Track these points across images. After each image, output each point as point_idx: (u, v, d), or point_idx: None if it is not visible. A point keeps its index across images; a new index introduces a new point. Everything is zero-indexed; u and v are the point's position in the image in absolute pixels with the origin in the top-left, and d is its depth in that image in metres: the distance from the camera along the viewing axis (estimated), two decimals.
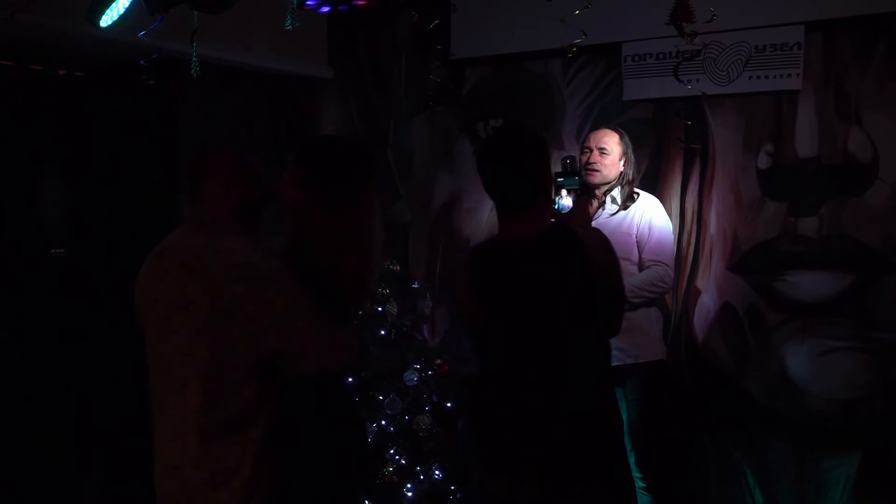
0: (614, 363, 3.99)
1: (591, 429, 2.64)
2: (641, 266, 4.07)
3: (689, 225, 4.49)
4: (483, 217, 5.08)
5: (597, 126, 4.37)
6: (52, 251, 4.72)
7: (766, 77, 4.21)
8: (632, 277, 4.00)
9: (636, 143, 4.28)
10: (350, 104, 5.63)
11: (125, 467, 4.72)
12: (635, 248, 4.07)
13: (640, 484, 4.09)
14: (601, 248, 2.71)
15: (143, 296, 2.41)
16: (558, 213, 3.14)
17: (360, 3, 3.89)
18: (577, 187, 3.98)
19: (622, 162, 4.12)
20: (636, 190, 4.17)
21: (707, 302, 4.46)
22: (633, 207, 4.11)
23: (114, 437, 4.79)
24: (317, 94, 5.63)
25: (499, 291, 2.65)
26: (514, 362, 2.66)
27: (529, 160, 2.66)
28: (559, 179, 3.15)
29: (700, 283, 4.48)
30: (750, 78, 4.25)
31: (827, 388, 4.17)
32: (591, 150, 4.12)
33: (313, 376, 2.37)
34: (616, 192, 4.13)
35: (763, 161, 4.31)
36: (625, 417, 4.08)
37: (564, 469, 2.61)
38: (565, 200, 3.16)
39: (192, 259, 2.32)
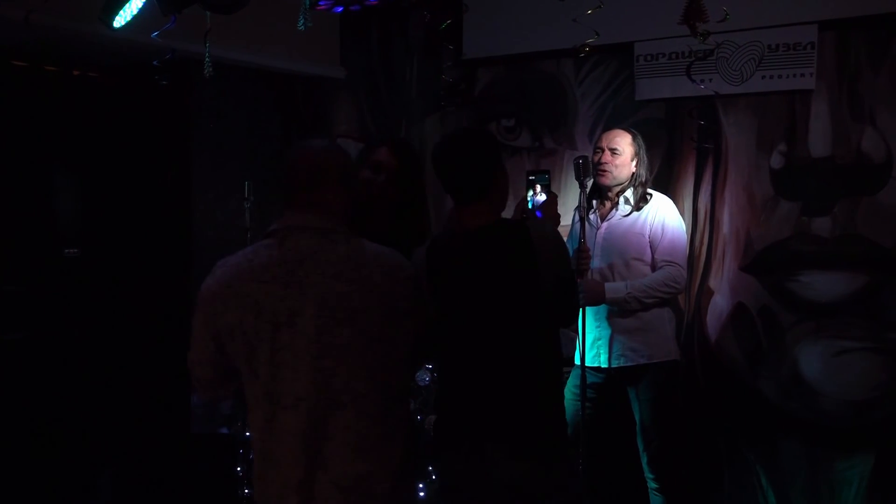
0: (628, 363, 4.02)
1: (530, 413, 2.77)
2: (654, 266, 4.06)
3: (702, 225, 4.48)
4: None
5: (609, 126, 4.36)
6: (66, 251, 4.74)
7: (780, 76, 4.20)
8: (644, 278, 4.00)
9: (648, 143, 4.27)
10: (362, 104, 5.63)
11: (139, 465, 4.75)
12: (648, 248, 4.06)
13: (652, 485, 4.09)
14: (547, 238, 2.80)
15: (265, 313, 2.34)
16: (529, 208, 3.20)
17: (373, 2, 3.89)
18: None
19: (634, 163, 4.11)
20: (649, 191, 4.16)
21: (720, 302, 4.45)
22: (647, 208, 4.10)
23: (127, 435, 4.81)
24: (329, 94, 5.64)
25: (447, 280, 2.78)
26: (462, 347, 2.78)
27: (479, 155, 2.80)
28: (531, 177, 3.24)
29: (713, 283, 4.46)
30: (763, 77, 4.24)
31: (840, 389, 4.15)
32: (603, 151, 4.11)
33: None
34: (629, 193, 4.12)
35: (776, 161, 4.30)
36: (637, 418, 4.10)
37: (511, 447, 2.74)
38: (539, 196, 3.20)
39: (349, 268, 2.39)
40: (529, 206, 3.21)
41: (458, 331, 2.79)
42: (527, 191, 3.24)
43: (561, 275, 2.82)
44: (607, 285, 3.98)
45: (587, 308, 4.04)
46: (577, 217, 4.26)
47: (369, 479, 2.39)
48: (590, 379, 4.10)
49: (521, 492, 2.74)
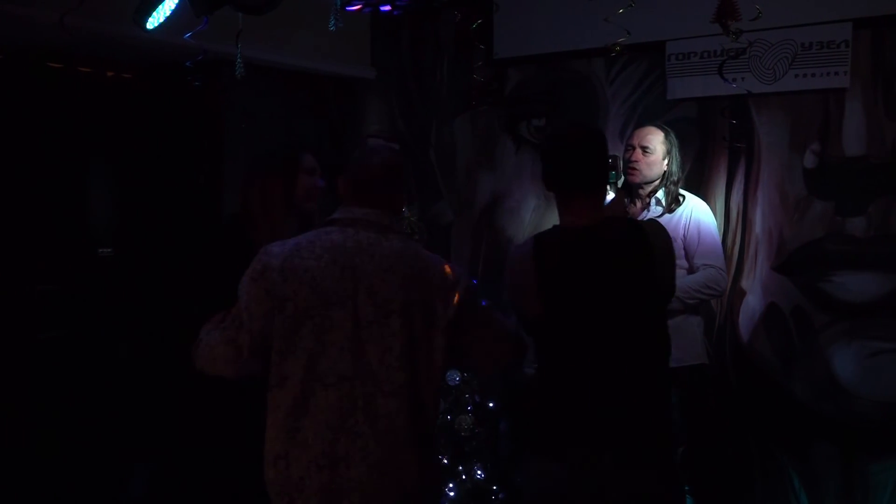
0: None
1: (653, 419, 2.70)
2: (692, 269, 4.03)
3: (734, 225, 4.45)
4: (526, 217, 5.08)
5: (641, 124, 4.34)
6: (100, 251, 4.78)
7: (813, 75, 4.16)
8: (686, 278, 3.97)
9: (681, 143, 4.25)
10: (393, 104, 5.64)
11: (172, 461, 4.78)
12: (682, 250, 4.02)
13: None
14: (662, 238, 2.78)
15: (320, 289, 2.46)
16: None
17: (402, 2, 3.90)
18: (615, 181, 3.99)
19: (666, 161, 4.09)
20: (682, 192, 4.13)
21: (752, 303, 4.42)
22: (680, 210, 4.07)
23: (160, 433, 4.84)
24: (360, 94, 5.65)
25: (564, 278, 2.68)
26: (579, 350, 2.68)
27: (594, 151, 2.80)
28: None
29: (745, 283, 4.44)
30: (796, 76, 4.20)
31: (875, 391, 4.11)
32: (634, 148, 4.09)
33: None
34: (661, 194, 4.09)
35: (809, 160, 4.26)
36: None
37: (625, 456, 2.65)
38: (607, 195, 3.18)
39: (401, 264, 2.52)
40: None
41: (577, 331, 2.69)
42: None
43: (669, 278, 2.82)
44: None
45: None
46: None
47: (400, 468, 2.47)
48: None
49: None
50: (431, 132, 5.51)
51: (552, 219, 4.95)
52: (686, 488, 4.04)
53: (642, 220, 2.90)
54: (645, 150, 4.06)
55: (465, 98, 5.35)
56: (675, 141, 4.12)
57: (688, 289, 3.94)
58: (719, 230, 4.33)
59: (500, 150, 5.22)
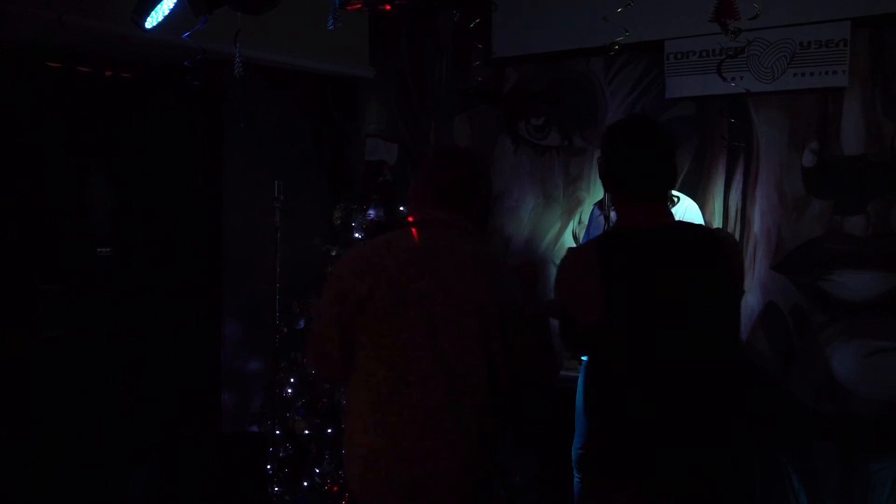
0: None
1: (732, 444, 2.54)
2: None
3: (733, 224, 4.45)
4: (524, 216, 5.08)
5: None
6: (99, 251, 4.78)
7: (812, 74, 4.16)
8: None
9: (679, 142, 4.25)
10: (391, 103, 5.64)
11: (170, 463, 4.79)
12: None
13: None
14: (733, 246, 2.67)
15: (404, 284, 2.50)
16: None
17: (401, 2, 3.90)
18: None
19: None
20: (675, 193, 4.15)
21: (751, 301, 4.42)
22: (674, 211, 4.08)
23: (159, 433, 4.85)
24: (359, 93, 5.65)
25: (635, 282, 2.49)
26: (652, 363, 2.48)
27: (669, 149, 2.64)
28: None
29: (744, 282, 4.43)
30: (795, 75, 4.20)
31: (873, 389, 4.11)
32: None
33: None
34: None
35: (808, 159, 4.26)
36: None
37: (705, 486, 2.50)
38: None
39: (479, 266, 2.55)
40: None
41: (649, 341, 2.48)
42: None
43: (741, 288, 2.68)
44: None
45: None
46: (596, 213, 4.28)
47: (481, 463, 2.52)
48: None
49: None
50: (430, 131, 5.50)
51: (551, 218, 4.99)
52: None
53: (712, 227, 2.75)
54: None
55: (463, 97, 5.35)
56: None
57: None
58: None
59: (499, 150, 5.22)
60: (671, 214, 2.66)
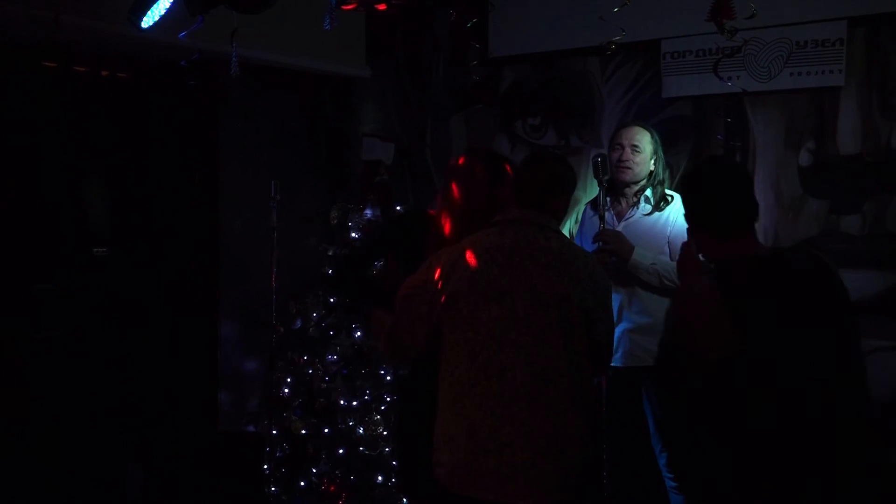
0: (638, 364, 4.03)
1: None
2: None
3: None
4: None
5: (627, 123, 4.35)
6: (95, 250, 4.78)
7: (808, 73, 4.17)
8: (672, 261, 4.03)
9: (675, 141, 4.26)
10: (388, 103, 5.64)
11: (167, 462, 4.78)
12: (667, 248, 4.09)
13: (671, 484, 4.09)
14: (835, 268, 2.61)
15: (479, 287, 2.69)
16: None
17: (398, 1, 3.90)
18: (604, 179, 4.07)
19: (653, 161, 4.13)
20: (669, 192, 4.18)
21: None
22: (668, 209, 4.12)
23: (156, 432, 4.84)
24: (355, 93, 5.65)
25: (767, 312, 2.39)
26: (791, 403, 2.35)
27: (751, 185, 2.72)
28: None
29: None
30: (791, 74, 4.21)
31: (871, 388, 4.10)
32: (624, 148, 4.12)
33: None
34: (649, 192, 4.13)
35: (804, 158, 4.27)
36: (651, 420, 4.11)
37: None
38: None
39: (559, 261, 2.75)
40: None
41: (788, 375, 2.36)
42: None
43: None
44: (637, 248, 3.98)
45: None
46: (589, 213, 4.29)
47: (563, 453, 2.64)
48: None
49: None
50: (427, 131, 5.50)
51: None
52: (673, 485, 4.07)
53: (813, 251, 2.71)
54: (635, 148, 4.10)
55: (460, 97, 5.35)
56: (659, 141, 4.15)
57: (672, 269, 3.99)
58: None
59: (496, 149, 5.21)
60: (761, 244, 2.66)
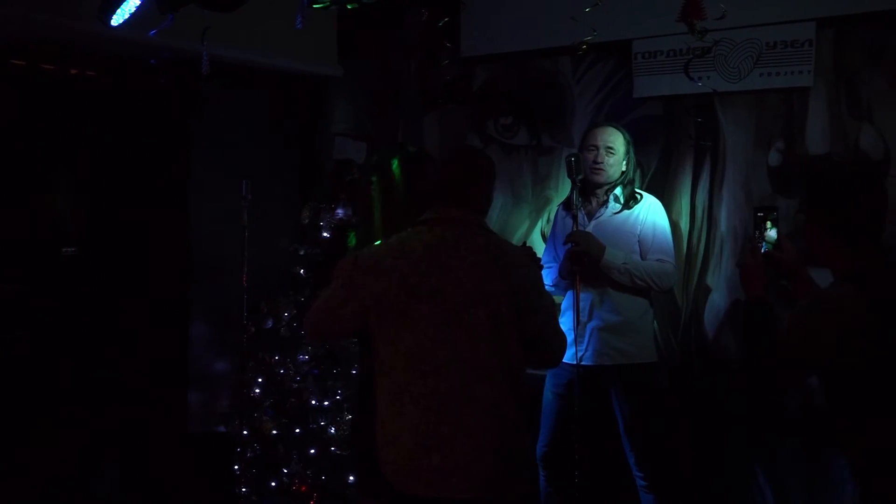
0: (607, 363, 4.05)
1: None
2: None
3: (700, 222, 4.48)
4: (493, 215, 5.06)
5: (600, 124, 4.37)
6: (64, 250, 4.74)
7: (778, 74, 4.20)
8: (644, 261, 4.12)
9: (647, 140, 4.28)
10: (360, 102, 5.62)
11: (136, 464, 4.75)
12: (637, 246, 4.16)
13: (641, 483, 4.13)
14: None
15: (415, 281, 2.69)
16: (765, 250, 2.93)
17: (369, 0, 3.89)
18: (578, 179, 4.08)
19: (625, 161, 4.16)
20: (638, 191, 4.21)
21: (717, 300, 4.45)
22: (637, 207, 4.17)
23: (125, 434, 4.81)
24: (327, 92, 5.63)
25: None
26: None
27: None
28: (760, 213, 2.98)
29: (710, 280, 4.47)
30: (761, 75, 4.24)
31: None
32: (598, 149, 4.15)
33: None
34: (618, 191, 4.18)
35: (774, 158, 4.30)
36: (620, 419, 4.15)
37: None
38: (771, 231, 2.99)
39: (487, 258, 2.77)
40: (765, 247, 2.90)
41: None
42: (758, 229, 2.94)
43: None
44: (608, 248, 4.01)
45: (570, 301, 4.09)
46: (561, 213, 4.32)
47: (501, 448, 2.70)
48: (566, 376, 4.14)
49: None
50: (399, 130, 5.49)
51: (519, 218, 5.00)
52: (643, 484, 4.10)
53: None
54: (609, 150, 4.14)
55: (432, 96, 5.34)
56: (631, 141, 4.19)
57: (642, 269, 4.08)
58: (684, 228, 4.45)
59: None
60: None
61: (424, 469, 2.64)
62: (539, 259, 3.69)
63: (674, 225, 4.37)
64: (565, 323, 4.10)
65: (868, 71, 4.05)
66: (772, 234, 2.89)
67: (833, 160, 4.13)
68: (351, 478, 4.59)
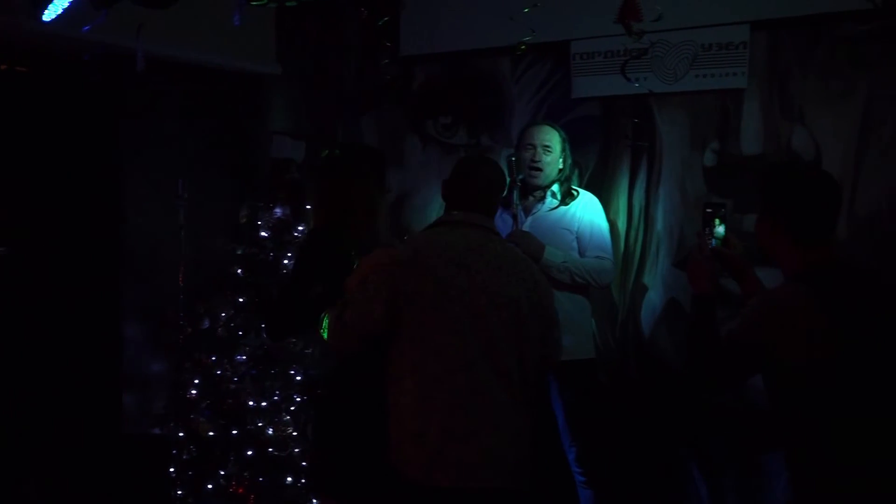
0: None
1: None
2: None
3: (637, 222, 4.53)
4: (432, 214, 5.07)
5: (536, 123, 4.40)
6: None
7: (713, 76, 4.26)
8: (582, 258, 4.15)
9: (584, 141, 4.31)
10: (298, 101, 5.58)
11: (68, 467, 4.67)
12: (575, 242, 4.20)
13: (580, 479, 4.16)
14: None
15: (441, 284, 2.78)
16: (713, 246, 2.90)
17: None
18: (517, 180, 4.11)
19: (562, 159, 4.20)
20: (575, 188, 4.25)
21: (653, 298, 4.50)
22: (574, 205, 4.21)
23: (57, 437, 4.73)
24: (265, 90, 5.58)
25: (860, 319, 2.45)
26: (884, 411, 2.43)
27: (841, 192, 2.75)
28: (709, 209, 2.98)
29: (647, 279, 4.51)
30: (696, 76, 4.29)
31: None
32: (535, 148, 4.18)
33: None
34: (555, 188, 4.22)
35: (709, 158, 4.36)
36: (560, 416, 4.17)
37: None
38: (719, 228, 3.00)
39: (507, 263, 2.91)
40: (714, 242, 2.91)
41: (876, 389, 2.42)
42: (706, 225, 2.94)
43: None
44: (548, 247, 4.04)
45: None
46: (500, 212, 4.32)
47: (520, 439, 2.85)
48: None
49: None
50: (338, 130, 5.47)
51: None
52: (582, 479, 4.13)
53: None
54: (546, 149, 4.18)
55: (371, 95, 5.33)
56: (567, 139, 4.23)
57: (581, 266, 4.12)
58: (621, 227, 4.50)
59: (408, 148, 5.22)
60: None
61: (454, 461, 2.73)
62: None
63: (611, 224, 4.41)
64: None
65: (800, 73, 4.13)
66: (720, 230, 2.93)
67: (766, 160, 4.19)
68: (289, 479, 4.57)
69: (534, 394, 2.98)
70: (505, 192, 3.51)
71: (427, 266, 2.80)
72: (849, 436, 2.42)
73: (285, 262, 4.85)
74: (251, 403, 4.69)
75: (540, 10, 3.69)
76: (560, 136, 4.23)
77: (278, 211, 5.01)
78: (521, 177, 4.17)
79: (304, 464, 4.59)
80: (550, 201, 4.22)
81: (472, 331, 2.77)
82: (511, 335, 2.83)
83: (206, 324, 4.94)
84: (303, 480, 4.58)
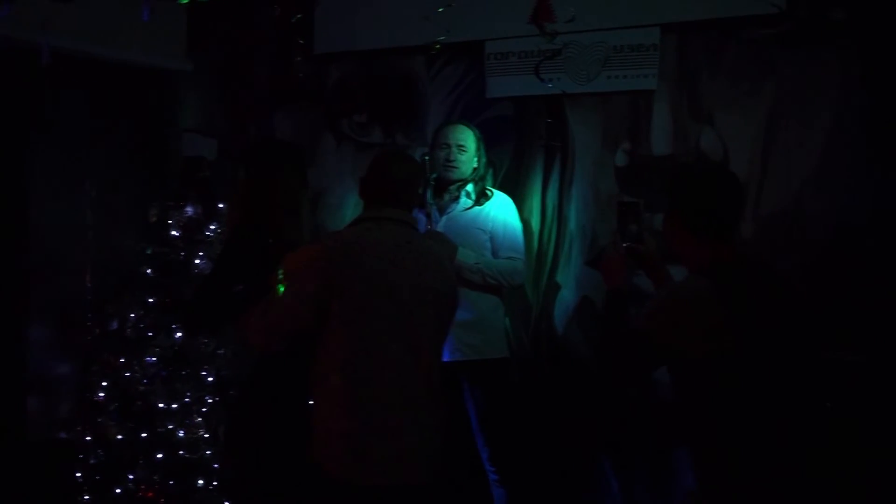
0: (460, 358, 4.09)
1: None
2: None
3: (550, 221, 4.57)
4: (346, 213, 5.06)
5: (451, 122, 4.41)
6: None
7: (624, 77, 4.32)
8: (494, 259, 4.18)
9: (499, 140, 4.33)
10: (210, 98, 5.50)
11: None
12: (489, 242, 4.22)
13: (493, 477, 4.18)
14: None
15: (377, 277, 2.79)
16: (626, 244, 3.02)
17: None
18: (431, 179, 4.21)
19: (476, 158, 4.22)
20: (489, 188, 4.27)
21: (566, 296, 4.55)
22: (488, 205, 4.23)
23: None
24: (176, 87, 5.49)
25: (758, 314, 2.53)
26: (775, 402, 2.52)
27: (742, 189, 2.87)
28: (622, 207, 3.05)
29: (560, 277, 4.56)
30: (608, 77, 4.35)
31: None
32: (450, 147, 4.19)
33: None
34: (470, 188, 4.23)
35: (620, 158, 4.42)
36: (473, 415, 4.20)
37: None
38: (633, 225, 3.06)
39: (432, 260, 2.95)
40: (628, 239, 3.02)
41: (771, 376, 2.51)
42: (620, 222, 3.03)
43: None
44: (461, 248, 4.05)
45: None
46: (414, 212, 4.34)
47: (438, 432, 2.92)
48: None
49: None
50: (250, 127, 5.40)
51: None
52: (495, 478, 4.16)
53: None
54: (460, 148, 4.19)
55: (285, 93, 5.28)
56: (482, 138, 4.25)
57: (493, 267, 4.15)
58: (535, 227, 4.53)
59: (322, 147, 5.18)
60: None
61: (380, 459, 2.75)
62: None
63: (525, 223, 4.44)
64: None
65: (708, 75, 4.21)
66: (633, 227, 2.99)
67: (676, 160, 4.27)
68: (200, 481, 4.50)
69: (443, 393, 3.01)
70: (420, 190, 3.52)
71: (357, 262, 2.79)
72: (746, 429, 2.50)
73: (196, 261, 4.77)
74: (161, 405, 4.61)
75: (455, 10, 3.70)
76: (475, 135, 4.25)
77: (189, 210, 4.93)
78: (434, 175, 4.19)
79: (215, 466, 4.53)
80: (465, 201, 4.23)
81: (400, 328, 2.79)
82: (433, 332, 2.89)
83: (115, 325, 4.84)
84: (214, 483, 4.53)
